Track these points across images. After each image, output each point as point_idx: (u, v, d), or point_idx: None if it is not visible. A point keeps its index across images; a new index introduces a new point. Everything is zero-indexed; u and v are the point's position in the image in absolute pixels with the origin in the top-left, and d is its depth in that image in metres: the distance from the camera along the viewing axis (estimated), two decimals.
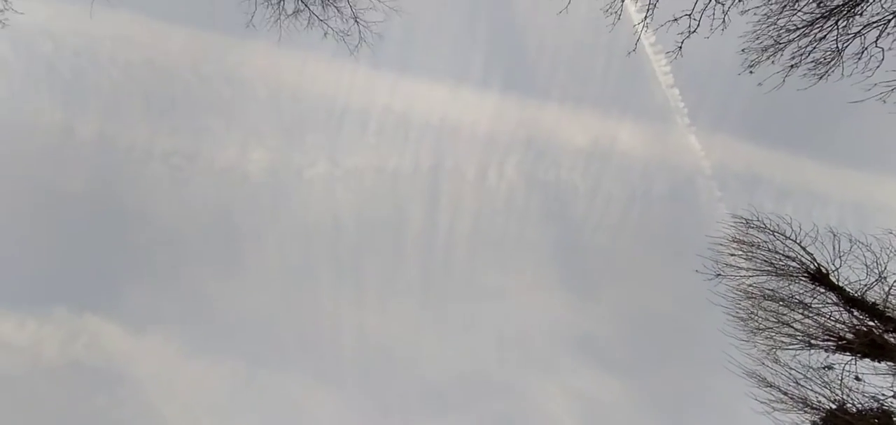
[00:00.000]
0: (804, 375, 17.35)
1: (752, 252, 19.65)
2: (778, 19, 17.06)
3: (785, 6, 16.71)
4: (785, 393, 17.28)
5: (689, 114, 22.38)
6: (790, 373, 17.26)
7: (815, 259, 18.04)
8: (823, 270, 17.87)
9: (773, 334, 18.61)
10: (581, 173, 24.58)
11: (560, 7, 17.09)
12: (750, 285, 19.56)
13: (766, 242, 19.68)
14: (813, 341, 17.78)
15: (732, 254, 19.73)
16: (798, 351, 17.65)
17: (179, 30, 18.78)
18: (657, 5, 17.98)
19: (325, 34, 14.99)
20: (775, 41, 16.69)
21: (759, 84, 17.10)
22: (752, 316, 19.57)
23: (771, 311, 19.40)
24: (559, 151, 24.31)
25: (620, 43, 17.26)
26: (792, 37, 16.74)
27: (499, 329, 26.06)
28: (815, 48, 16.94)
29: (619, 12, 17.41)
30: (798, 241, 18.70)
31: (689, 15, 17.25)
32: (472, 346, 25.70)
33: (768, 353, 18.47)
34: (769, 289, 19.42)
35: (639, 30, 18.21)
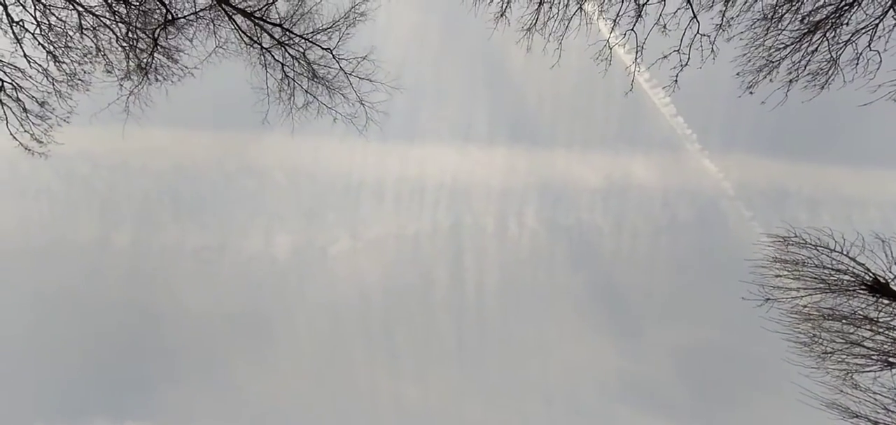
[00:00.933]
0: (893, 399, 16.13)
1: (798, 270, 18.88)
2: (765, 40, 17.37)
3: (769, 29, 17.11)
4: (875, 424, 16.06)
5: (699, 139, 22.43)
6: (876, 399, 16.04)
7: (868, 269, 17.18)
8: (882, 280, 16.97)
9: (845, 356, 17.56)
10: (601, 212, 24.62)
11: (551, 62, 18.11)
12: (805, 306, 18.66)
13: (811, 258, 18.86)
14: (891, 359, 16.72)
15: (778, 276, 19.02)
16: (878, 374, 16.56)
17: (202, 134, 20.77)
18: (645, 46, 18.69)
19: (335, 120, 16.33)
20: (767, 61, 16.96)
21: (762, 102, 17.27)
22: (816, 339, 18.49)
23: (835, 332, 18.25)
24: (575, 194, 24.56)
25: (616, 84, 17.92)
26: (784, 54, 16.99)
27: (545, 384, 25.51)
28: (809, 61, 17.08)
29: (609, 58, 18.19)
30: (845, 253, 17.87)
31: (678, 50, 17.85)
32: (520, 407, 25.16)
33: (844, 379, 17.39)
34: (827, 308, 18.39)
35: (632, 71, 18.89)
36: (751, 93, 16.23)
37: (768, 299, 19.08)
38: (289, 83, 15.92)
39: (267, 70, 15.75)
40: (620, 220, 24.79)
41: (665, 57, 17.72)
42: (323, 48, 15.79)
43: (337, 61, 15.93)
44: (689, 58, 17.61)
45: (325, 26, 15.66)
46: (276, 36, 15.54)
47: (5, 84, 14.21)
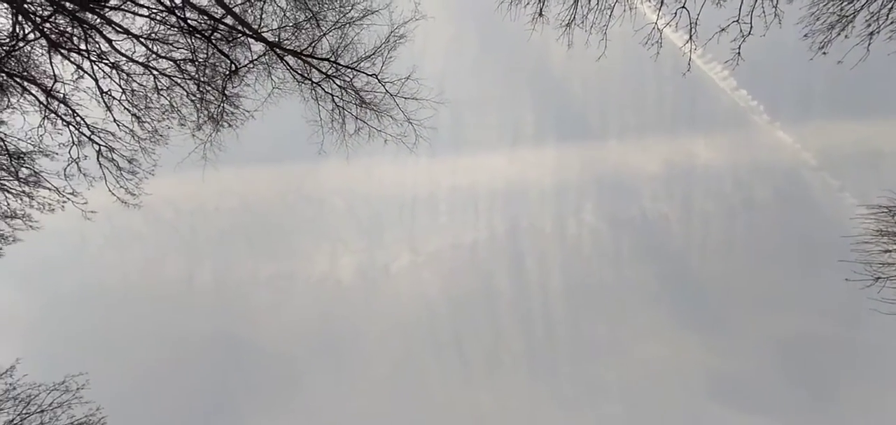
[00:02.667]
0: None
1: None
2: None
3: None
4: None
5: (767, 110, 20.57)
6: None
7: None
8: None
9: None
10: (665, 199, 23.27)
11: (597, 54, 17.56)
12: None
13: None
14: None
15: (887, 251, 17.07)
16: None
17: (265, 170, 22.39)
18: (698, 22, 17.65)
19: (385, 141, 16.97)
20: (840, 16, 15.47)
21: (839, 61, 15.71)
22: None
23: None
24: (634, 184, 23.41)
25: (668, 66, 17.01)
26: (859, 5, 15.43)
27: (624, 386, 24.40)
28: (892, 6, 15.42)
29: (659, 41, 17.36)
30: None
31: (737, 20, 16.67)
32: (599, 410, 24.23)
33: None
34: None
35: (687, 50, 17.84)
36: (824, 53, 14.77)
37: (878, 278, 17.14)
38: (339, 112, 16.79)
39: (318, 103, 16.72)
40: (688, 206, 23.28)
41: (723, 29, 16.61)
42: (368, 75, 16.49)
43: (382, 85, 16.56)
44: (751, 27, 16.40)
45: (368, 54, 16.36)
46: (324, 69, 16.46)
47: (101, 148, 16.28)
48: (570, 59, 16.36)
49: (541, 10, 16.06)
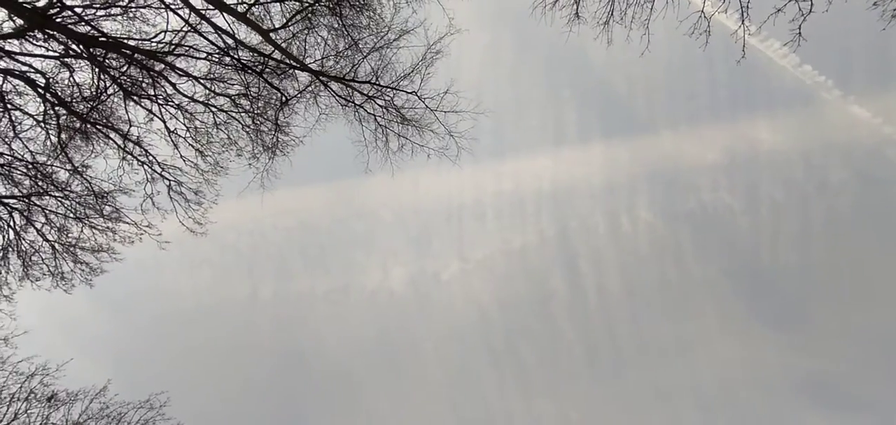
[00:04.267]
0: None
1: None
2: None
3: None
4: None
5: (837, 84, 18.65)
6: None
7: None
8: None
9: None
10: (727, 189, 21.60)
11: (640, 49, 16.86)
12: None
13: None
14: None
15: None
16: None
17: (316, 189, 23.34)
18: (749, 5, 16.58)
19: (428, 156, 17.26)
20: None
21: None
22: None
23: None
24: (691, 176, 21.96)
25: (717, 50, 15.98)
26: None
27: (697, 388, 22.71)
28: None
29: (708, 30, 16.42)
30: None
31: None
32: (672, 415, 22.68)
33: None
34: None
35: (741, 34, 16.75)
36: None
37: None
38: (383, 131, 17.30)
39: (362, 124, 17.33)
40: (754, 195, 21.51)
41: (779, 11, 15.51)
42: (407, 92, 16.90)
43: (422, 101, 16.91)
44: (811, 4, 15.18)
45: (406, 72, 16.79)
46: (366, 91, 17.06)
47: (171, 183, 17.78)
48: (612, 53, 15.85)
49: (577, 11, 15.75)
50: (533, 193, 23.88)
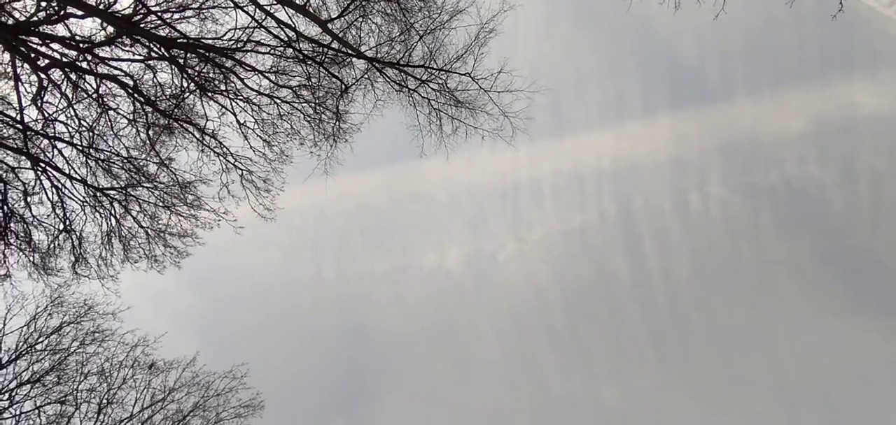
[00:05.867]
0: None
1: None
2: None
3: None
4: None
5: None
6: None
7: None
8: None
9: None
10: (816, 161, 19.02)
11: (714, 11, 15.36)
12: None
13: None
14: None
15: None
16: None
17: (372, 173, 23.71)
18: None
19: (483, 138, 16.98)
20: None
21: None
22: None
23: None
24: (773, 147, 19.58)
25: (808, 3, 14.15)
26: None
27: (776, 376, 20.46)
28: None
29: None
30: None
31: None
32: (748, 406, 20.63)
33: None
34: None
35: None
36: None
37: None
38: (436, 114, 17.26)
39: (416, 108, 17.40)
40: (849, 166, 18.82)
41: None
42: (461, 74, 16.71)
43: (475, 82, 16.65)
44: None
45: (459, 54, 16.61)
46: (419, 75, 17.07)
47: (243, 172, 18.95)
48: (680, 19, 14.57)
49: None
50: (593, 171, 22.77)
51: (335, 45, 17.46)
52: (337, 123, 18.54)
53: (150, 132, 18.73)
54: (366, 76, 17.70)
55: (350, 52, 17.44)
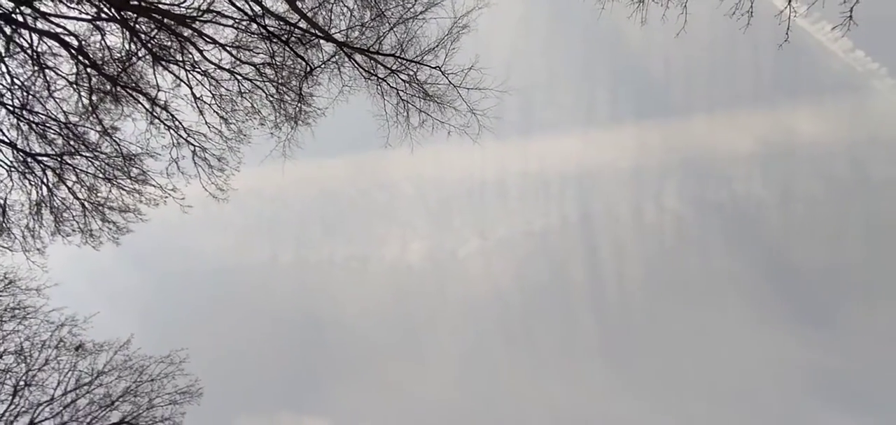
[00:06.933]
0: None
1: None
2: None
3: None
4: None
5: (891, 73, 17.56)
6: None
7: None
8: None
9: None
10: (762, 181, 20.70)
11: (676, 29, 16.18)
12: None
13: None
14: None
15: None
16: None
17: (336, 160, 23.41)
18: None
19: (449, 133, 17.05)
20: None
21: None
22: None
23: None
24: (725, 165, 21.11)
25: (762, 30, 15.19)
26: None
27: (709, 380, 22.14)
28: None
29: (750, 10, 15.66)
30: None
31: None
32: (683, 406, 22.19)
33: None
34: None
35: (785, 18, 15.93)
36: None
37: None
38: (404, 106, 17.14)
39: (384, 98, 17.20)
40: (789, 187, 20.59)
41: None
42: (431, 67, 16.66)
43: (445, 77, 16.65)
44: None
45: (431, 46, 16.55)
46: (389, 65, 16.88)
47: (196, 148, 18.04)
48: (649, 32, 15.25)
49: None
50: (558, 175, 23.48)
51: (303, 24, 16.94)
52: (300, 106, 18.02)
53: (94, 98, 17.46)
54: (333, 60, 17.29)
55: (318, 33, 16.98)
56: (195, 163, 18.06)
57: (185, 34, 17.12)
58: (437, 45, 16.44)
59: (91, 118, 17.63)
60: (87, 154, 17.90)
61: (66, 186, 18.25)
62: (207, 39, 17.10)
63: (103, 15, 16.47)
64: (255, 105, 17.52)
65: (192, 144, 17.95)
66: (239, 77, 17.32)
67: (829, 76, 18.03)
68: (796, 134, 19.83)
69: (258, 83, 17.42)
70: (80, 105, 17.19)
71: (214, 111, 17.53)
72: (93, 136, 17.83)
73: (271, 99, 17.54)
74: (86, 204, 18.43)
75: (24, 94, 16.83)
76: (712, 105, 20.69)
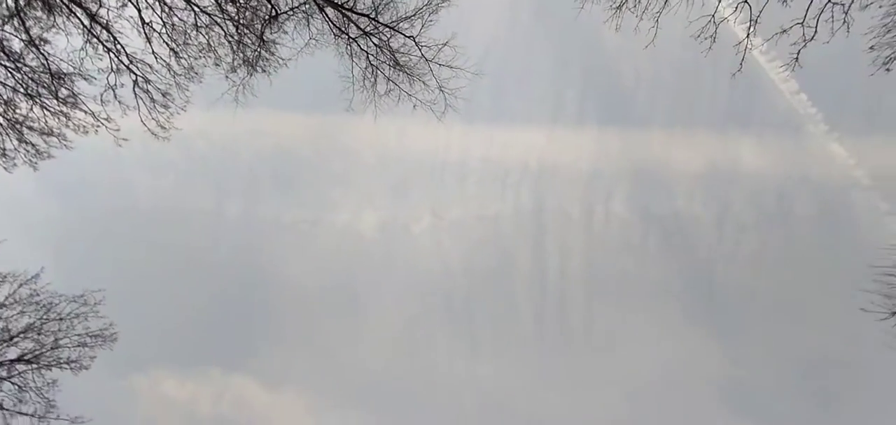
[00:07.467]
0: None
1: None
2: None
3: None
4: None
5: (826, 119, 19.32)
6: None
7: None
8: None
9: None
10: (702, 201, 22.29)
11: (646, 41, 16.73)
12: None
13: None
14: None
15: None
16: None
17: (298, 117, 22.44)
18: (759, 21, 16.67)
19: (414, 107, 16.72)
20: None
21: None
22: None
23: None
24: (672, 180, 22.48)
25: (727, 61, 16.09)
26: None
27: (628, 379, 23.92)
28: None
29: (713, 36, 16.45)
30: None
31: (802, 23, 15.69)
32: (601, 399, 23.85)
33: None
34: None
35: (743, 48, 16.88)
36: (887, 69, 13.77)
37: (895, 313, 16.36)
38: (372, 71, 16.56)
39: (353, 59, 16.53)
40: (724, 210, 22.27)
41: (785, 31, 15.66)
42: (405, 36, 16.17)
43: (419, 48, 16.24)
44: (815, 31, 15.39)
45: (408, 15, 16.03)
46: (363, 26, 16.20)
47: (138, 78, 16.49)
48: (622, 40, 15.70)
49: None
50: (518, 165, 23.78)
51: None
52: (260, 51, 16.91)
53: (20, 1, 15.43)
54: (303, 8, 16.33)
55: None
56: (136, 93, 16.54)
57: None
58: (415, 15, 15.98)
59: (15, 23, 15.61)
60: (8, 64, 15.89)
61: None
62: None
63: None
64: (211, 42, 16.23)
65: (135, 73, 16.40)
66: (196, 8, 15.94)
67: (775, 113, 19.50)
68: (739, 161, 21.40)
69: (217, 19, 16.12)
70: (4, 6, 15.15)
71: (164, 41, 16.06)
72: (16, 45, 15.81)
73: (230, 39, 16.33)
74: (0, 119, 16.44)
75: None
76: (670, 121, 21.80)
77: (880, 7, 14.17)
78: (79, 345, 21.56)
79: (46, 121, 16.48)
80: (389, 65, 16.52)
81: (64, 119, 16.63)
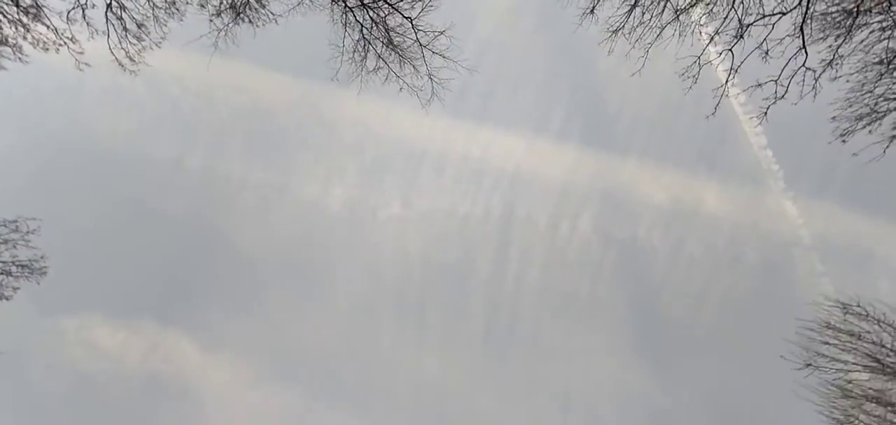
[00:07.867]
0: None
1: (851, 343, 17.65)
2: (875, 87, 15.95)
3: (882, 75, 15.67)
4: None
5: (785, 178, 20.79)
6: None
7: None
8: None
9: None
10: (661, 234, 23.51)
11: (633, 69, 17.30)
12: (849, 382, 17.55)
13: (869, 333, 17.63)
14: None
15: (826, 343, 17.85)
16: None
17: (281, 77, 21.63)
18: (739, 70, 17.54)
19: (401, 89, 16.50)
20: (872, 110, 15.55)
21: (855, 154, 15.87)
22: (852, 419, 17.46)
23: (876, 417, 17.21)
24: (637, 209, 23.53)
25: (706, 103, 16.95)
26: (892, 106, 15.53)
27: (564, 393, 25.01)
28: None
29: (695, 76, 17.21)
30: None
31: (776, 81, 16.62)
32: (535, 408, 24.85)
33: None
34: (874, 390, 17.32)
35: (719, 94, 17.75)
36: (843, 141, 14.94)
37: (809, 365, 17.89)
38: (364, 45, 16.17)
39: (346, 29, 16.05)
40: (679, 247, 23.59)
41: (760, 85, 16.56)
42: (403, 15, 15.89)
43: (415, 31, 16.00)
44: (786, 90, 16.36)
45: None
46: None
47: (112, 2, 15.30)
48: (615, 67, 16.21)
49: (593, 7, 15.71)
50: (495, 169, 23.99)
51: None
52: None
53: None
54: None
55: None
56: (108, 18, 15.35)
57: None
58: None
59: None
60: None
61: None
62: None
63: None
64: None
65: None
66: None
67: (742, 162, 20.71)
68: (701, 202, 22.60)
69: None
70: None
71: None
72: None
73: None
74: None
75: None
76: (645, 151, 22.65)
77: (847, 81, 15.29)
78: (2, 273, 20.05)
79: (2, 30, 15.03)
80: (383, 42, 16.20)
81: (22, 30, 15.22)
